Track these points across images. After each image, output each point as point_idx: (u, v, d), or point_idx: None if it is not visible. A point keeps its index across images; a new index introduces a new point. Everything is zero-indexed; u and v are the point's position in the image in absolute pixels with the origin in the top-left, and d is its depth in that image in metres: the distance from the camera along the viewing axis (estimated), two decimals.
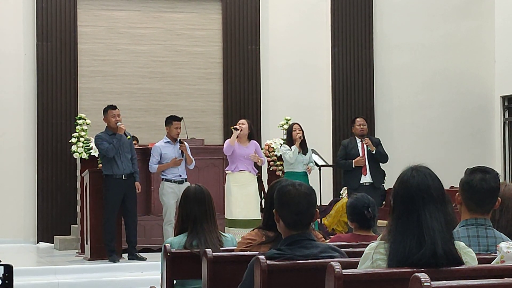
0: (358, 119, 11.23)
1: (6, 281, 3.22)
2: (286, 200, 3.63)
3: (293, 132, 10.96)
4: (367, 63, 14.25)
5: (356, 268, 3.24)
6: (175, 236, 5.20)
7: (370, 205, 5.26)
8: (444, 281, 2.72)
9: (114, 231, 10.25)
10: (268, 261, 3.44)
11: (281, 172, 11.92)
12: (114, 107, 10.43)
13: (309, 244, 3.61)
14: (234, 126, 10.47)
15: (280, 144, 11.95)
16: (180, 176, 10.39)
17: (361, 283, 3.02)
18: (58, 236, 12.34)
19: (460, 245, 3.29)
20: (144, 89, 13.65)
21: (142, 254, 10.42)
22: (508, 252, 3.30)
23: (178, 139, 10.52)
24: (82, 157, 11.16)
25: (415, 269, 2.96)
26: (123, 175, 10.23)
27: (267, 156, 12.06)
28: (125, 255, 10.42)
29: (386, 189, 11.58)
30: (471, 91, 14.57)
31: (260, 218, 9.92)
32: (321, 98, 14.22)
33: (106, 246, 10.20)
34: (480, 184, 3.87)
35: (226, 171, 10.56)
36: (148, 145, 11.71)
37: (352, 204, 5.33)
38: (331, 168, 13.13)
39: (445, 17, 14.53)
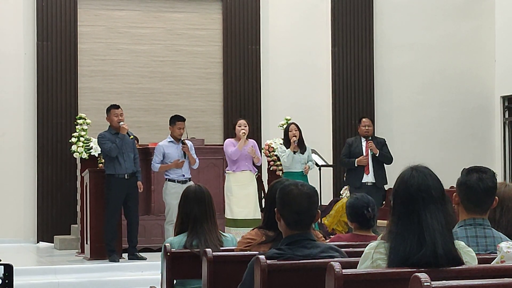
0: (364, 119, 11.25)
1: (6, 281, 3.22)
2: (288, 200, 3.63)
3: (289, 133, 10.93)
4: (367, 63, 14.25)
5: (356, 268, 3.24)
6: (175, 236, 5.21)
7: (370, 205, 5.26)
8: (444, 281, 2.72)
9: (115, 231, 10.25)
10: (268, 261, 3.44)
11: (281, 172, 11.91)
12: (117, 107, 10.43)
13: (309, 244, 3.61)
14: (243, 131, 10.39)
15: (280, 144, 11.95)
16: (184, 176, 10.38)
17: (361, 283, 3.02)
18: (58, 235, 12.34)
19: (460, 244, 3.29)
20: (144, 88, 13.65)
21: (142, 254, 10.42)
22: (508, 252, 3.30)
23: (181, 139, 10.50)
24: (82, 156, 11.16)
25: (415, 269, 2.96)
26: (126, 175, 10.23)
27: (267, 156, 12.06)
28: (125, 255, 10.42)
29: (386, 189, 11.58)
30: (471, 91, 14.57)
31: (260, 217, 9.96)
32: (321, 98, 14.22)
33: (107, 246, 10.20)
34: (477, 184, 3.87)
35: (227, 171, 10.55)
36: (148, 145, 11.71)
37: (352, 204, 5.33)
38: (331, 168, 13.13)
39: (445, 17, 14.52)
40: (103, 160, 11.16)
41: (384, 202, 11.81)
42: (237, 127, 10.51)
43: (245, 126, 10.45)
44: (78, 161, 11.58)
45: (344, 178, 13.40)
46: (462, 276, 3.00)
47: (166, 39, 13.75)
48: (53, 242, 12.45)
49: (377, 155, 10.90)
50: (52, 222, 12.74)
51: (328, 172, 13.31)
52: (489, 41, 14.42)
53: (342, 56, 14.16)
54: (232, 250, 4.54)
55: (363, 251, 3.29)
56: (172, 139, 10.52)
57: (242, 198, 10.28)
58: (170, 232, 9.86)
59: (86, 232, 10.67)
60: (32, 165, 12.92)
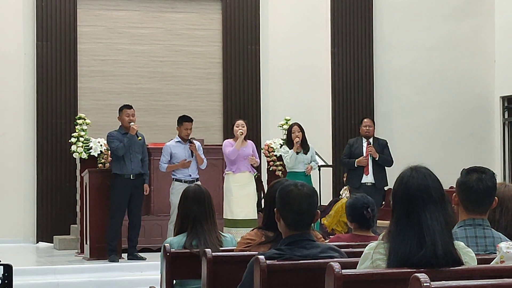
0: (365, 120, 11.26)
1: (6, 281, 3.22)
2: (288, 200, 3.63)
3: (292, 134, 10.91)
4: (367, 63, 14.25)
5: (355, 268, 3.24)
6: (174, 236, 5.21)
7: (370, 205, 5.26)
8: (444, 281, 2.72)
9: (118, 231, 10.26)
10: (267, 261, 3.44)
11: (280, 172, 11.91)
12: (129, 107, 10.47)
13: (308, 245, 3.61)
14: (240, 131, 10.41)
15: (280, 144, 11.96)
16: (190, 176, 10.37)
17: (360, 283, 3.02)
18: (58, 236, 12.34)
19: (460, 245, 3.29)
20: (144, 89, 13.65)
21: (141, 254, 10.42)
22: (508, 252, 3.30)
23: (188, 139, 10.50)
24: (82, 157, 11.16)
25: (414, 269, 2.96)
26: (131, 175, 10.24)
27: (267, 156, 12.06)
28: (124, 255, 10.42)
29: (386, 189, 11.58)
30: (471, 92, 14.57)
31: (259, 218, 9.96)
32: (320, 99, 14.22)
33: (108, 245, 10.20)
34: (476, 185, 3.87)
35: (226, 172, 10.55)
36: (148, 145, 11.70)
37: (351, 204, 5.33)
38: (331, 168, 13.13)
39: (445, 17, 14.53)
40: (102, 160, 11.18)
41: (383, 203, 11.82)
42: (235, 127, 10.52)
43: (243, 127, 10.46)
44: (77, 161, 11.57)
45: (344, 179, 13.41)
46: (461, 276, 3.00)
47: (165, 39, 13.75)
48: (52, 242, 12.45)
49: (377, 159, 10.92)
50: (51, 222, 12.74)
51: (328, 173, 13.31)
52: (489, 41, 14.42)
53: (342, 57, 14.16)
54: (232, 250, 4.54)
55: (362, 252, 3.29)
56: (180, 139, 10.52)
57: (241, 198, 10.28)
58: (172, 232, 9.85)
59: (85, 232, 10.67)
60: (31, 165, 12.92)
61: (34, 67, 13.00)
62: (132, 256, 10.31)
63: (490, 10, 14.44)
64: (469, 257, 3.30)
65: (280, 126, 12.22)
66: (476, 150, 14.33)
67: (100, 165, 11.15)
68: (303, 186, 3.67)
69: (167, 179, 11.03)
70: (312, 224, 3.78)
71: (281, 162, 11.94)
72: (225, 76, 13.88)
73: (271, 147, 12.09)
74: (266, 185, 11.66)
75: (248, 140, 10.63)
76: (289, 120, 12.10)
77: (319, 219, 12.08)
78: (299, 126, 10.92)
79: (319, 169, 11.76)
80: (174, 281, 4.97)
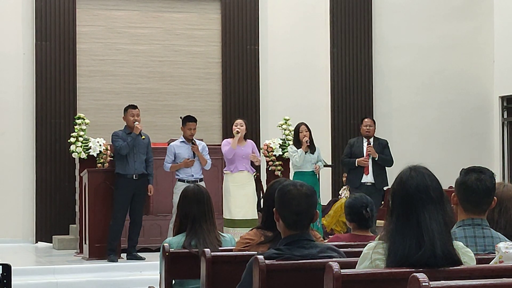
0: (366, 119, 11.26)
1: (5, 281, 3.22)
2: (287, 200, 3.63)
3: (300, 133, 10.96)
4: (366, 63, 14.26)
5: (354, 268, 3.24)
6: (174, 236, 5.21)
7: (369, 205, 5.27)
8: (443, 281, 2.72)
9: (120, 230, 10.26)
10: (266, 261, 3.44)
11: (280, 172, 11.92)
12: (134, 107, 10.50)
13: (307, 244, 3.61)
14: (236, 130, 10.43)
15: (279, 144, 11.96)
16: (193, 176, 10.37)
17: (359, 283, 3.02)
18: (57, 235, 12.33)
19: (459, 245, 3.29)
20: (143, 88, 13.65)
21: (140, 254, 10.42)
22: (507, 252, 3.30)
23: (192, 139, 10.51)
24: (81, 156, 11.15)
25: (413, 269, 2.96)
26: (134, 175, 10.25)
27: (266, 156, 12.06)
28: (123, 255, 10.42)
29: (385, 189, 11.59)
30: (470, 92, 14.58)
31: (258, 217, 9.96)
32: (320, 99, 14.22)
33: (108, 245, 10.21)
34: (475, 185, 3.87)
35: (225, 172, 10.55)
36: None
37: (350, 204, 5.33)
38: (330, 168, 13.13)
39: (444, 17, 14.53)
40: (101, 160, 11.17)
41: (382, 202, 11.82)
42: (233, 127, 10.55)
43: (242, 126, 10.46)
44: (76, 161, 11.57)
45: (344, 179, 13.41)
46: (460, 276, 3.00)
47: (164, 39, 13.75)
48: (51, 242, 12.44)
49: (376, 159, 10.92)
50: (50, 222, 12.74)
51: (327, 172, 13.32)
52: (488, 41, 14.43)
53: (341, 57, 14.16)
54: (231, 250, 4.54)
55: (361, 251, 3.29)
56: (184, 139, 10.53)
57: (240, 198, 10.28)
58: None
59: (84, 232, 10.66)
60: (31, 165, 12.91)
61: (33, 67, 13.00)
62: (131, 256, 10.31)
63: (489, 10, 14.45)
64: (468, 257, 3.30)
65: (279, 126, 12.22)
66: (475, 150, 14.34)
67: (99, 165, 11.14)
68: (302, 186, 3.66)
69: (167, 179, 11.04)
70: (311, 224, 3.78)
71: (280, 162, 11.94)
72: (224, 76, 13.88)
73: (270, 147, 12.09)
74: (265, 185, 11.66)
75: (248, 140, 10.63)
76: (288, 120, 12.10)
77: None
78: (306, 125, 11.00)
79: None
80: (173, 281, 4.97)
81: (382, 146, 11.13)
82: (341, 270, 2.98)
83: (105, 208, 10.41)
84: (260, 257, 3.45)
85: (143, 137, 10.40)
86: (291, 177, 11.13)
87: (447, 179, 5.59)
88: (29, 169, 12.91)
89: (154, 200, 11.36)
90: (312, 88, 14.21)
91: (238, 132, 10.38)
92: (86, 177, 10.62)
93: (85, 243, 10.60)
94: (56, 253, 11.64)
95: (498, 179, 4.13)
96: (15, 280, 3.62)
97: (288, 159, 11.83)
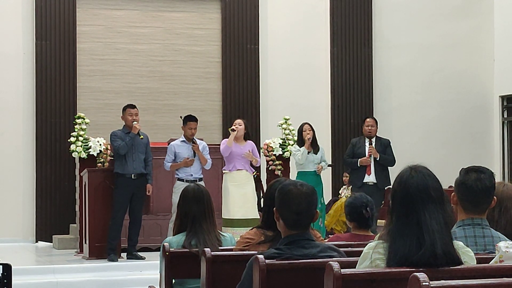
0: (368, 119, 11.27)
1: (5, 280, 3.22)
2: (287, 200, 3.63)
3: (303, 132, 11.04)
4: (366, 62, 14.25)
5: (355, 267, 3.24)
6: (174, 235, 5.21)
7: (369, 205, 5.27)
8: (443, 281, 2.72)
9: (119, 230, 10.27)
10: (267, 261, 3.44)
11: (280, 171, 11.91)
12: (132, 106, 10.51)
13: (308, 244, 3.61)
14: (231, 128, 10.48)
15: (279, 143, 11.95)
16: (192, 175, 10.37)
17: (360, 282, 3.02)
18: (57, 235, 12.34)
19: (459, 244, 3.29)
20: (143, 88, 13.65)
21: (141, 254, 10.42)
22: (507, 251, 3.30)
23: (192, 139, 10.51)
24: (81, 156, 11.14)
25: (414, 269, 2.96)
26: (133, 175, 10.26)
27: (266, 156, 12.06)
28: (123, 254, 10.42)
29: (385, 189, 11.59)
30: (470, 91, 14.57)
31: (258, 217, 9.96)
32: (320, 98, 14.22)
33: (108, 244, 10.21)
34: (475, 184, 3.87)
35: (224, 171, 10.56)
36: None
37: (350, 204, 5.33)
38: (330, 168, 13.13)
39: (444, 16, 14.53)
40: (101, 160, 11.17)
41: (383, 202, 11.82)
42: (232, 126, 10.56)
43: (240, 125, 10.47)
44: (77, 161, 11.57)
45: (344, 179, 13.40)
46: (460, 276, 3.00)
47: (164, 38, 13.75)
48: (51, 242, 12.45)
49: (377, 159, 10.92)
50: (51, 222, 12.74)
51: (327, 172, 13.31)
52: (488, 40, 14.42)
53: (341, 56, 14.16)
54: (231, 250, 4.54)
55: (362, 251, 3.29)
56: (184, 139, 10.54)
57: (238, 198, 10.27)
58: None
59: (85, 231, 10.66)
60: (31, 165, 12.91)
61: (33, 66, 13.00)
62: (131, 256, 10.31)
63: (489, 9, 14.44)
64: (468, 257, 3.30)
65: (280, 126, 12.21)
66: (475, 150, 14.33)
67: (99, 164, 11.14)
68: (302, 186, 3.66)
69: (167, 179, 11.04)
70: (312, 224, 3.78)
71: (280, 162, 11.93)
72: (224, 76, 13.88)
73: (271, 147, 12.08)
74: (266, 185, 11.66)
75: (248, 141, 10.62)
76: (289, 119, 12.10)
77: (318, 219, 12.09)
78: (310, 125, 11.14)
79: None
80: (174, 281, 4.97)
81: (384, 146, 11.13)
82: (342, 270, 2.97)
83: (105, 208, 10.41)
84: (260, 256, 3.45)
85: (142, 136, 10.39)
86: (293, 177, 11.13)
87: (447, 179, 5.59)
88: (29, 168, 12.91)
89: (154, 199, 11.35)
90: (312, 87, 14.21)
91: (233, 130, 10.38)
92: (86, 177, 10.62)
93: (85, 242, 10.60)
94: (56, 252, 11.64)
95: (498, 178, 4.14)
96: (15, 280, 3.62)
97: (288, 159, 11.84)
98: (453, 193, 3.95)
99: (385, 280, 3.03)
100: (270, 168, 12.07)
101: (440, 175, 3.32)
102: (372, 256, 3.21)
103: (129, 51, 13.59)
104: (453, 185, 4.00)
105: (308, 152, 11.01)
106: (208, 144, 11.35)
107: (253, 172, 10.69)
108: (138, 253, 10.41)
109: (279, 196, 3.66)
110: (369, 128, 11.11)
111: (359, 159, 10.95)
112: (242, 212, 10.21)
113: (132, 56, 13.60)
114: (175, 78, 13.80)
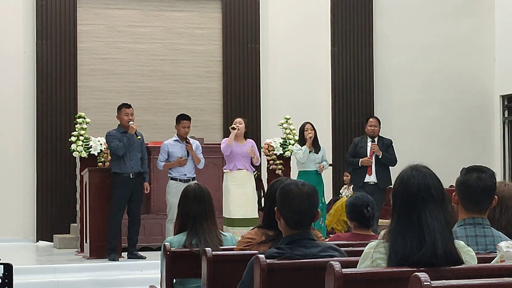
0: (370, 119, 11.27)
1: (6, 280, 3.22)
2: (288, 199, 3.63)
3: (304, 131, 11.05)
4: (367, 62, 14.25)
5: (355, 267, 3.24)
6: (174, 235, 5.20)
7: (370, 204, 5.26)
8: (444, 281, 2.72)
9: (119, 229, 10.27)
10: (268, 260, 3.44)
11: (280, 171, 11.91)
12: (128, 106, 10.49)
13: (309, 244, 3.61)
14: (232, 126, 10.48)
15: (280, 143, 11.96)
16: (185, 175, 10.38)
17: (360, 282, 3.02)
18: (58, 234, 12.34)
19: (460, 244, 3.29)
20: (144, 87, 13.65)
21: (141, 253, 10.43)
22: (508, 251, 3.30)
23: (186, 138, 10.50)
24: (82, 155, 11.15)
25: (415, 269, 2.96)
26: (131, 174, 10.26)
27: (267, 155, 12.06)
28: (124, 254, 10.42)
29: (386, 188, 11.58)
30: (470, 90, 14.57)
31: (258, 217, 9.96)
32: (320, 97, 14.22)
33: (108, 244, 10.22)
34: (476, 184, 3.87)
35: (224, 170, 10.56)
36: (147, 144, 11.70)
37: (351, 203, 5.33)
38: (331, 167, 13.12)
39: (445, 16, 14.52)
40: (102, 159, 11.17)
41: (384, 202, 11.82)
42: (233, 125, 10.56)
43: (240, 124, 10.46)
44: (77, 160, 11.57)
45: (345, 178, 13.39)
46: (461, 275, 3.00)
47: (165, 38, 13.75)
48: (52, 241, 12.45)
49: (380, 157, 10.92)
50: (51, 221, 12.74)
51: (328, 172, 13.30)
52: (489, 40, 14.42)
53: (342, 55, 14.16)
54: (232, 249, 4.53)
55: (362, 251, 3.29)
56: (178, 138, 10.53)
57: (239, 197, 10.27)
58: (171, 230, 9.84)
59: (85, 231, 10.67)
60: (31, 164, 12.91)
61: (34, 65, 13.00)
62: (132, 255, 10.31)
63: (490, 9, 14.43)
64: (469, 256, 3.30)
65: (280, 125, 12.21)
66: (476, 149, 14.33)
67: (100, 163, 11.14)
68: (303, 185, 3.66)
69: (167, 178, 11.04)
70: (313, 224, 3.78)
71: (281, 161, 11.93)
72: (225, 75, 13.88)
73: (271, 146, 12.08)
74: (266, 184, 11.66)
75: (248, 139, 10.62)
76: (289, 118, 12.10)
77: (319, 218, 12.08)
78: (312, 125, 11.17)
79: None
80: (174, 280, 4.97)
81: (386, 146, 11.14)
82: (342, 270, 2.97)
83: (106, 207, 10.41)
84: (261, 256, 3.45)
85: (139, 137, 10.39)
86: (294, 177, 11.13)
87: (448, 178, 5.59)
88: (29, 168, 12.91)
89: (155, 199, 11.36)
90: (313, 87, 14.20)
91: (234, 129, 10.38)
92: (87, 176, 10.62)
93: (86, 242, 10.60)
94: (57, 252, 11.65)
95: (498, 178, 4.14)
96: (16, 279, 3.62)
97: (289, 158, 11.84)
98: (454, 193, 3.95)
99: (386, 280, 3.03)
100: (270, 168, 12.07)
101: (440, 174, 3.32)
102: (373, 255, 3.21)
103: (130, 50, 13.59)
104: (454, 185, 4.00)
105: (310, 152, 11.02)
106: (208, 144, 11.38)
107: (254, 172, 10.69)
108: (139, 252, 10.42)
109: (280, 196, 3.66)
110: (372, 128, 11.11)
111: (361, 159, 10.95)
112: (242, 212, 10.21)
113: (133, 55, 13.60)
114: (176, 77, 13.80)
